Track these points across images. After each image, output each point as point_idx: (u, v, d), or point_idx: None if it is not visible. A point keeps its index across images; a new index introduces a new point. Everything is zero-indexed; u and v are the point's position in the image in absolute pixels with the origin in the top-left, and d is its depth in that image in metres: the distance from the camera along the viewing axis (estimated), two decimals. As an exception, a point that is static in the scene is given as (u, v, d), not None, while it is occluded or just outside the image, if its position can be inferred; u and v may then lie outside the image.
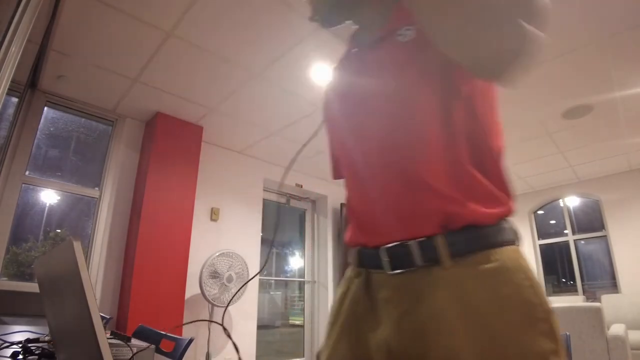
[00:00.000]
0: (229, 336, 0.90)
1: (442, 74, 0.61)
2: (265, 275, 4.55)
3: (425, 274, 0.59)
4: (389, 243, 0.63)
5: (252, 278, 1.44)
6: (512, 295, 0.55)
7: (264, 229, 4.21)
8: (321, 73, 2.82)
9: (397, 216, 0.63)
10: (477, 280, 0.56)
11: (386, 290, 0.63)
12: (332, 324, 0.72)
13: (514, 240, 0.61)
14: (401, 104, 0.63)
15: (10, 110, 2.85)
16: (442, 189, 0.60)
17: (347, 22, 0.78)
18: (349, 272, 0.75)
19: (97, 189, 3.27)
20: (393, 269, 0.62)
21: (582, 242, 5.27)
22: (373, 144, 0.66)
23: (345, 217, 0.78)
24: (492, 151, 0.64)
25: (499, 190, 0.62)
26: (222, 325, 0.96)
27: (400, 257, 0.61)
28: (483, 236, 0.58)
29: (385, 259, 0.63)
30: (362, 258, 0.69)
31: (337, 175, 0.91)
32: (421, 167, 0.61)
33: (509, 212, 0.61)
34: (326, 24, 0.78)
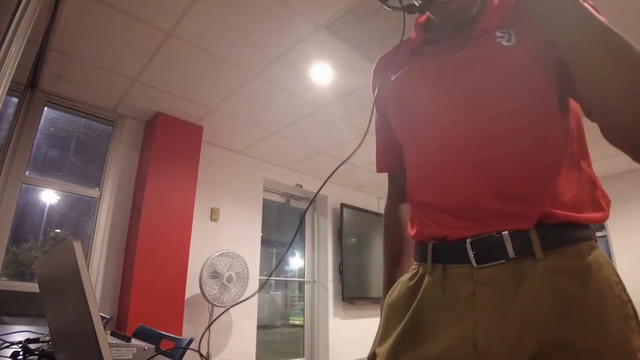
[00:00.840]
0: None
1: (553, 80, 0.61)
2: (265, 276, 4.55)
3: (516, 266, 0.58)
4: (474, 235, 0.61)
5: (263, 285, 1.44)
6: (605, 291, 0.55)
7: (264, 229, 4.21)
8: (321, 73, 2.82)
9: (486, 208, 0.62)
10: (570, 273, 0.56)
11: (470, 285, 0.61)
12: (397, 319, 0.70)
13: (595, 237, 0.63)
14: (509, 105, 0.63)
15: (10, 110, 2.85)
16: (543, 188, 0.60)
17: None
18: (417, 269, 0.72)
19: (97, 189, 3.27)
20: (479, 262, 0.60)
21: (582, 242, 5.27)
22: (468, 139, 0.65)
23: (412, 212, 0.76)
24: (588, 162, 0.66)
25: (599, 196, 0.64)
26: (199, 352, 0.94)
27: (488, 249, 0.60)
28: (572, 230, 0.59)
29: (470, 252, 0.61)
30: (437, 253, 0.67)
31: (387, 167, 0.90)
32: (524, 166, 0.61)
33: (602, 219, 0.64)
34: (423, 11, 0.73)
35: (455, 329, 0.61)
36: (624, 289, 0.57)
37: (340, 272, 4.75)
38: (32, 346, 1.08)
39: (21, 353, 1.02)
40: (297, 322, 4.71)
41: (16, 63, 1.19)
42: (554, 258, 0.57)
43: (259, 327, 3.94)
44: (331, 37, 2.45)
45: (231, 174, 4.04)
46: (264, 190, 4.34)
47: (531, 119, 0.62)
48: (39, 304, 0.90)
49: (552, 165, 0.61)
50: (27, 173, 2.93)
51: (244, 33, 2.44)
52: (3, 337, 1.24)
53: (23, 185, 2.90)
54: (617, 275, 0.58)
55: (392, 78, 0.79)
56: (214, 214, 3.78)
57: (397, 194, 0.90)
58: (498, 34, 0.65)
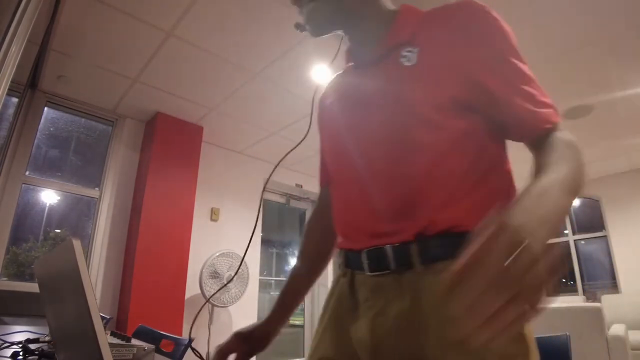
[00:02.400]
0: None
1: (447, 101, 0.62)
2: (265, 276, 4.55)
3: (399, 277, 0.62)
4: (370, 246, 0.67)
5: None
6: None
7: (264, 229, 4.21)
8: (321, 73, 2.82)
9: (380, 223, 0.66)
10: (439, 285, 0.57)
11: (365, 291, 0.67)
12: (320, 319, 0.78)
13: None
14: (403, 124, 0.65)
15: (11, 111, 2.85)
16: (428, 201, 0.62)
17: (338, 32, 0.78)
18: (338, 272, 0.79)
19: (97, 189, 3.27)
20: (370, 271, 0.66)
21: (582, 242, 5.27)
22: (368, 158, 0.69)
23: (336, 221, 0.81)
24: (496, 176, 0.65)
25: (475, 206, 0.61)
26: (194, 350, 0.97)
27: (377, 260, 0.65)
28: (454, 245, 0.56)
29: (365, 261, 0.67)
30: (348, 260, 0.73)
31: (323, 183, 0.95)
32: (412, 181, 0.64)
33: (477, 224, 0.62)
34: (316, 33, 0.76)
35: (357, 329, 0.67)
36: None
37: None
38: (32, 346, 1.08)
39: (21, 353, 1.02)
40: (297, 322, 4.71)
41: (16, 63, 1.19)
42: (432, 272, 0.59)
43: (259, 327, 3.93)
44: (331, 37, 2.44)
45: (231, 174, 4.04)
46: (265, 190, 4.34)
47: (419, 138, 0.63)
48: (39, 304, 0.90)
49: (436, 179, 0.62)
50: (27, 173, 2.93)
51: (244, 33, 2.44)
52: (3, 337, 1.24)
53: (23, 185, 2.90)
54: None
55: (328, 106, 0.84)
56: (214, 214, 3.78)
57: (320, 207, 0.94)
58: (403, 52, 0.66)
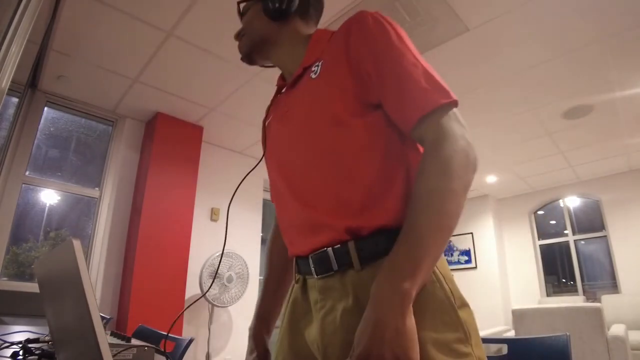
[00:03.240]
0: None
1: (345, 103, 0.67)
2: (265, 276, 4.55)
3: (342, 277, 0.65)
4: (313, 251, 0.69)
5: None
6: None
7: (264, 229, 4.21)
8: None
9: (314, 227, 0.69)
10: None
11: (315, 293, 0.70)
12: (280, 327, 0.81)
13: None
14: (310, 131, 0.70)
15: (11, 111, 2.85)
16: (352, 203, 0.65)
17: (267, 62, 0.88)
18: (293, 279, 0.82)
19: (97, 189, 3.27)
20: (317, 274, 0.69)
21: (582, 242, 5.27)
22: (291, 169, 0.74)
23: (281, 231, 0.86)
24: (407, 172, 0.66)
25: (402, 202, 0.64)
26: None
27: (321, 263, 0.68)
28: (388, 242, 0.60)
29: (311, 265, 0.70)
30: (298, 266, 0.76)
31: (273, 199, 0.98)
32: (329, 186, 0.67)
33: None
34: (249, 62, 0.87)
35: (310, 332, 0.70)
36: (442, 288, 0.60)
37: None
38: (32, 346, 1.08)
39: (21, 353, 1.02)
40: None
41: (16, 63, 1.19)
42: (370, 269, 0.62)
43: (259, 327, 3.93)
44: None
45: (231, 174, 4.04)
46: (264, 190, 4.34)
47: (330, 143, 0.67)
48: (39, 304, 0.90)
49: (359, 181, 0.65)
50: (27, 173, 2.93)
51: (244, 33, 2.44)
52: (3, 337, 1.24)
53: (23, 185, 2.90)
54: (436, 275, 0.60)
55: (265, 125, 0.90)
56: (214, 214, 3.78)
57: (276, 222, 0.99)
58: (313, 68, 0.74)
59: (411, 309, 0.53)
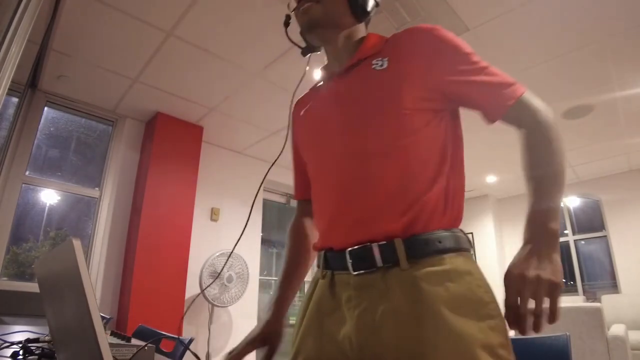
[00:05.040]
0: (195, 355, 0.91)
1: (414, 99, 0.71)
2: (265, 275, 4.55)
3: (385, 274, 0.65)
4: (353, 246, 0.69)
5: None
6: (462, 294, 0.61)
7: (264, 229, 4.21)
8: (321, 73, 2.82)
9: (361, 221, 0.69)
10: (430, 281, 0.62)
11: (349, 290, 0.69)
12: (299, 322, 0.80)
13: (467, 248, 0.69)
14: (373, 122, 0.72)
15: (11, 110, 2.85)
16: (405, 198, 0.67)
17: (319, 42, 0.89)
18: (315, 274, 0.81)
19: (97, 189, 3.27)
20: (355, 270, 0.68)
21: (582, 242, 5.27)
22: (342, 156, 0.74)
23: (315, 224, 0.86)
24: (454, 171, 0.72)
25: (454, 203, 0.70)
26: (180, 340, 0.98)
27: (362, 259, 0.67)
28: (438, 241, 0.65)
29: (349, 260, 0.68)
30: (327, 260, 0.75)
31: (299, 195, 1.01)
32: (386, 178, 0.68)
33: (456, 222, 0.70)
34: (309, 31, 0.86)
35: (339, 330, 0.68)
36: (487, 292, 0.64)
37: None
38: (32, 346, 1.08)
39: (21, 353, 1.02)
40: (297, 322, 4.71)
41: (16, 63, 1.19)
42: (417, 268, 0.63)
43: (259, 327, 3.93)
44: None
45: (231, 174, 4.04)
46: (264, 190, 4.34)
47: (396, 137, 0.70)
48: (39, 304, 0.90)
49: (413, 178, 0.68)
50: (27, 173, 2.93)
51: (244, 33, 2.44)
52: (3, 337, 1.24)
53: (23, 185, 2.90)
54: (481, 280, 0.65)
55: (301, 115, 0.92)
56: (214, 214, 3.78)
57: (301, 215, 1.01)
58: (374, 62, 0.76)
59: (557, 248, 0.63)
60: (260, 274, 4.12)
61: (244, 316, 3.75)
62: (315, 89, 0.93)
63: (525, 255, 0.62)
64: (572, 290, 5.14)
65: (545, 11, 2.25)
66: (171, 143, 3.38)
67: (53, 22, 2.29)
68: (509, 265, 0.63)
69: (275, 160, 0.97)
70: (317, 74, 0.94)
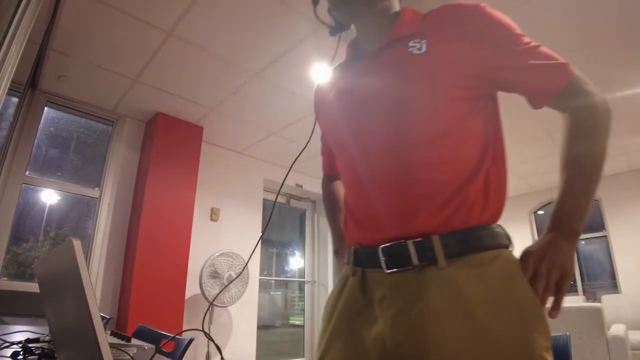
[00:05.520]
0: (210, 338, 0.92)
1: (456, 86, 0.66)
2: (265, 275, 4.55)
3: (420, 273, 0.61)
4: (386, 242, 0.65)
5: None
6: (505, 295, 0.58)
7: (263, 229, 4.21)
8: (321, 73, 2.82)
9: (396, 215, 0.65)
10: (470, 280, 0.58)
11: (382, 289, 0.65)
12: (327, 321, 0.74)
13: (507, 244, 0.65)
14: (413, 110, 0.66)
15: (11, 110, 2.85)
16: (444, 192, 0.62)
17: (351, 18, 0.82)
18: (345, 270, 0.76)
19: (97, 189, 3.27)
20: (389, 268, 0.64)
21: (582, 242, 5.27)
22: (377, 145, 0.68)
23: (344, 216, 0.79)
24: (496, 163, 0.68)
25: (495, 197, 0.66)
26: (202, 330, 0.96)
27: (396, 256, 0.63)
28: (477, 238, 0.61)
29: (381, 258, 0.65)
30: (358, 257, 0.71)
31: (328, 170, 0.98)
32: (425, 169, 0.64)
33: (496, 217, 0.67)
34: (341, 30, 0.85)
35: (371, 330, 0.65)
36: (530, 293, 0.60)
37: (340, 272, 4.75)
38: (32, 346, 1.08)
39: (21, 353, 1.02)
40: (297, 322, 4.71)
41: (16, 63, 1.19)
42: (456, 267, 0.60)
43: (259, 327, 3.93)
44: (331, 37, 2.44)
45: (231, 174, 4.04)
46: (264, 190, 4.34)
47: (436, 127, 0.65)
48: (39, 304, 0.90)
49: (453, 170, 0.64)
50: (27, 173, 2.93)
51: (244, 33, 2.44)
52: (3, 337, 1.24)
53: (23, 185, 2.90)
54: (523, 280, 0.61)
55: (328, 98, 0.84)
56: (214, 214, 3.78)
57: (330, 178, 1.02)
58: (410, 43, 0.70)
59: (575, 245, 0.63)
60: (260, 274, 4.12)
61: (244, 316, 3.75)
62: (342, 67, 0.86)
63: (544, 242, 0.63)
64: (572, 290, 5.13)
65: (544, 12, 2.25)
66: (171, 143, 3.38)
67: (53, 22, 2.29)
68: (527, 247, 0.64)
69: (305, 147, 0.95)
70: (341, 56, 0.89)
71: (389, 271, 0.64)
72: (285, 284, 4.83)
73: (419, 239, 0.62)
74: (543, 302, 0.59)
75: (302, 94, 3.09)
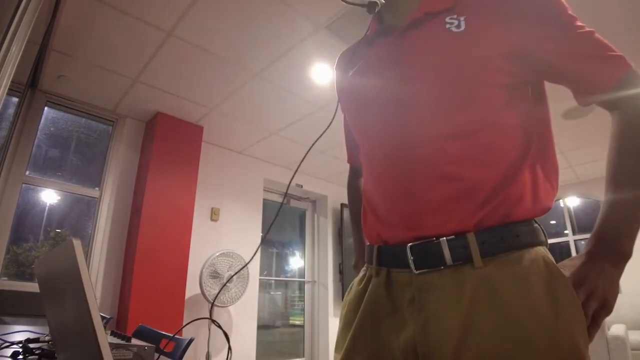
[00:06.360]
0: (219, 326, 0.91)
1: (498, 71, 0.60)
2: (265, 275, 4.55)
3: (454, 273, 0.56)
4: (415, 240, 0.60)
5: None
6: (546, 297, 0.53)
7: (264, 229, 4.21)
8: (321, 73, 2.82)
9: (428, 212, 0.59)
10: (508, 281, 0.54)
11: (408, 290, 0.60)
12: (348, 323, 0.68)
13: (544, 241, 0.60)
14: (452, 97, 0.60)
15: (11, 110, 2.85)
16: (483, 187, 0.57)
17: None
18: (366, 270, 0.71)
19: (97, 189, 3.27)
20: (418, 268, 0.59)
21: (583, 242, 5.27)
22: (411, 135, 0.62)
23: (363, 209, 0.74)
24: (542, 155, 0.62)
25: (542, 191, 0.61)
26: (211, 319, 0.96)
27: (427, 255, 0.58)
28: (515, 235, 0.57)
29: (410, 257, 0.60)
30: (382, 256, 0.66)
31: (352, 160, 0.93)
32: (460, 161, 0.59)
33: (542, 212, 0.61)
34: (376, 7, 0.76)
35: (398, 334, 0.60)
36: (570, 293, 0.55)
37: (340, 272, 4.75)
38: (32, 346, 1.08)
39: (21, 353, 1.02)
40: (297, 322, 4.71)
41: (16, 63, 1.19)
42: (494, 266, 0.55)
43: (259, 327, 3.93)
44: (331, 37, 2.45)
45: (231, 174, 4.04)
46: (264, 190, 4.34)
47: (477, 115, 0.60)
48: (39, 304, 0.90)
49: (495, 163, 0.58)
50: (27, 173, 2.93)
51: (244, 33, 2.44)
52: (3, 337, 1.24)
53: (23, 185, 2.90)
54: (563, 280, 0.56)
55: (349, 74, 0.77)
56: (214, 214, 3.78)
57: (354, 175, 0.97)
58: (447, 19, 0.63)
59: (622, 271, 0.58)
60: (260, 274, 4.12)
61: (244, 316, 3.75)
62: (366, 44, 0.77)
63: (586, 264, 0.57)
64: (572, 290, 5.13)
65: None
66: (171, 143, 3.38)
67: (53, 22, 2.29)
68: (562, 264, 0.59)
69: (320, 136, 0.92)
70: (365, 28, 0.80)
71: (418, 272, 0.59)
72: (285, 284, 4.83)
73: (452, 237, 0.56)
74: None
75: (302, 94, 3.09)
